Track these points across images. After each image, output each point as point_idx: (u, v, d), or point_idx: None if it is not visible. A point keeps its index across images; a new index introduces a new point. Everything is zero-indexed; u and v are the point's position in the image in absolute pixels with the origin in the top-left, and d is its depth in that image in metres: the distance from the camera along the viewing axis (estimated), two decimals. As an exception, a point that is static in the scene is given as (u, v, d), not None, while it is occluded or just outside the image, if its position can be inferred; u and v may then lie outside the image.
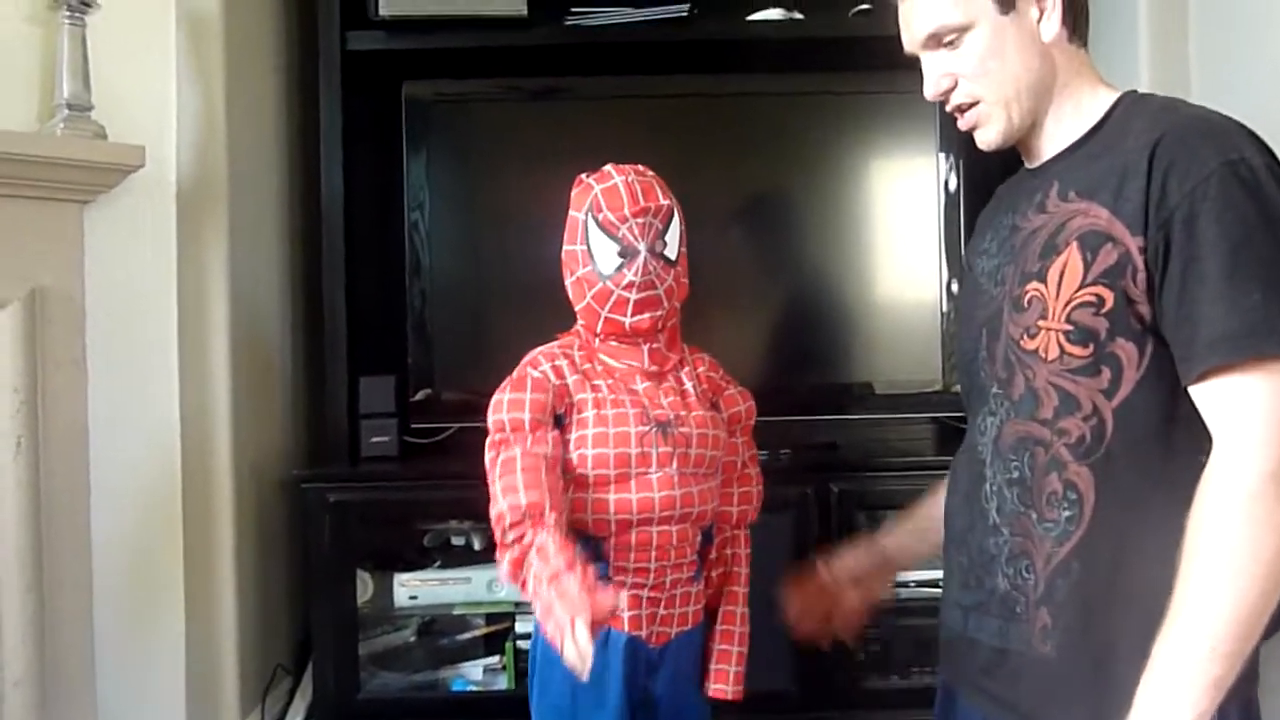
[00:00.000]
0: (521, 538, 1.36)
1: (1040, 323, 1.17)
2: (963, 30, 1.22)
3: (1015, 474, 1.20)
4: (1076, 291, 1.14)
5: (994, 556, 1.22)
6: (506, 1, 2.34)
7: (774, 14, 2.48)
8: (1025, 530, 1.19)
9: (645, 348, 1.51)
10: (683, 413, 1.49)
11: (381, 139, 2.48)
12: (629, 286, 1.45)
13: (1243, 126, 1.13)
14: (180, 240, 2.09)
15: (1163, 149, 1.11)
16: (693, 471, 1.48)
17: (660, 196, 1.48)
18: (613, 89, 2.49)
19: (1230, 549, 1.03)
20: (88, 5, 1.92)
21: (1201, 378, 1.07)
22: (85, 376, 1.96)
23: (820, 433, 2.53)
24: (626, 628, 1.47)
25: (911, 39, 1.28)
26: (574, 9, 2.44)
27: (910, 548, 1.56)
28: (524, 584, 1.34)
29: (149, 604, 2.09)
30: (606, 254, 1.46)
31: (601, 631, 1.42)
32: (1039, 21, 1.22)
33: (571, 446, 1.45)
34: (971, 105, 1.26)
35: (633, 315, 1.47)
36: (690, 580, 1.52)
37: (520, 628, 2.35)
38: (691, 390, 1.53)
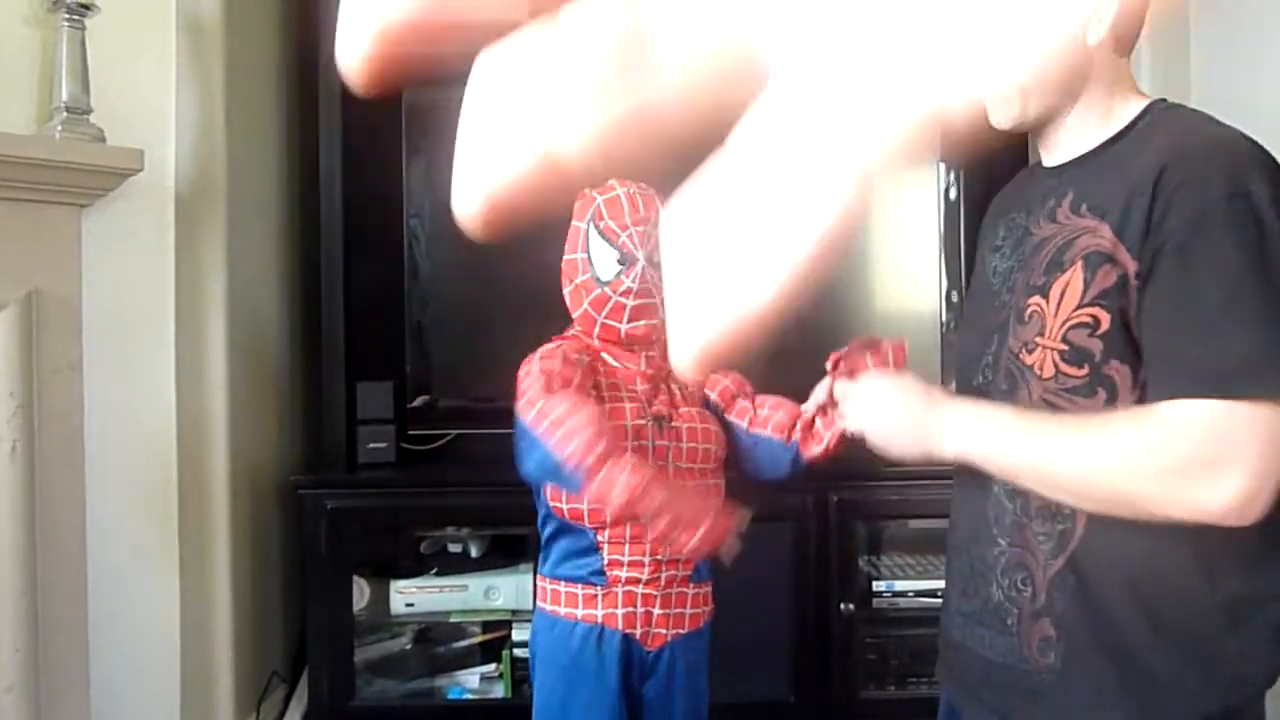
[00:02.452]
0: (606, 465, 1.28)
1: (1038, 339, 1.17)
2: None
3: (1016, 485, 1.20)
4: (1074, 311, 1.13)
5: (991, 566, 1.22)
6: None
7: (775, 22, 2.48)
8: (1024, 542, 1.19)
9: (643, 355, 1.53)
10: (674, 410, 1.53)
11: (381, 145, 2.48)
12: (626, 293, 1.48)
13: (1260, 153, 1.11)
14: (178, 244, 2.08)
15: (1170, 172, 1.09)
16: (688, 467, 1.51)
17: (659, 207, 1.49)
18: (613, 96, 2.49)
19: (1108, 446, 1.08)
20: (87, 8, 1.92)
21: (1178, 399, 1.06)
22: (81, 380, 1.96)
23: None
24: (621, 625, 1.47)
25: None
26: (575, 16, 2.43)
27: None
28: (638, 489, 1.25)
29: (144, 609, 2.08)
30: (606, 260, 1.49)
31: (595, 629, 1.47)
32: (1086, 20, 1.18)
33: None
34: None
35: (628, 321, 1.49)
36: (687, 580, 1.52)
37: (517, 635, 2.34)
38: (680, 395, 1.56)
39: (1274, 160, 1.10)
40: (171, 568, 2.10)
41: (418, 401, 2.44)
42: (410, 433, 2.43)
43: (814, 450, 1.51)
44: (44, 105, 1.95)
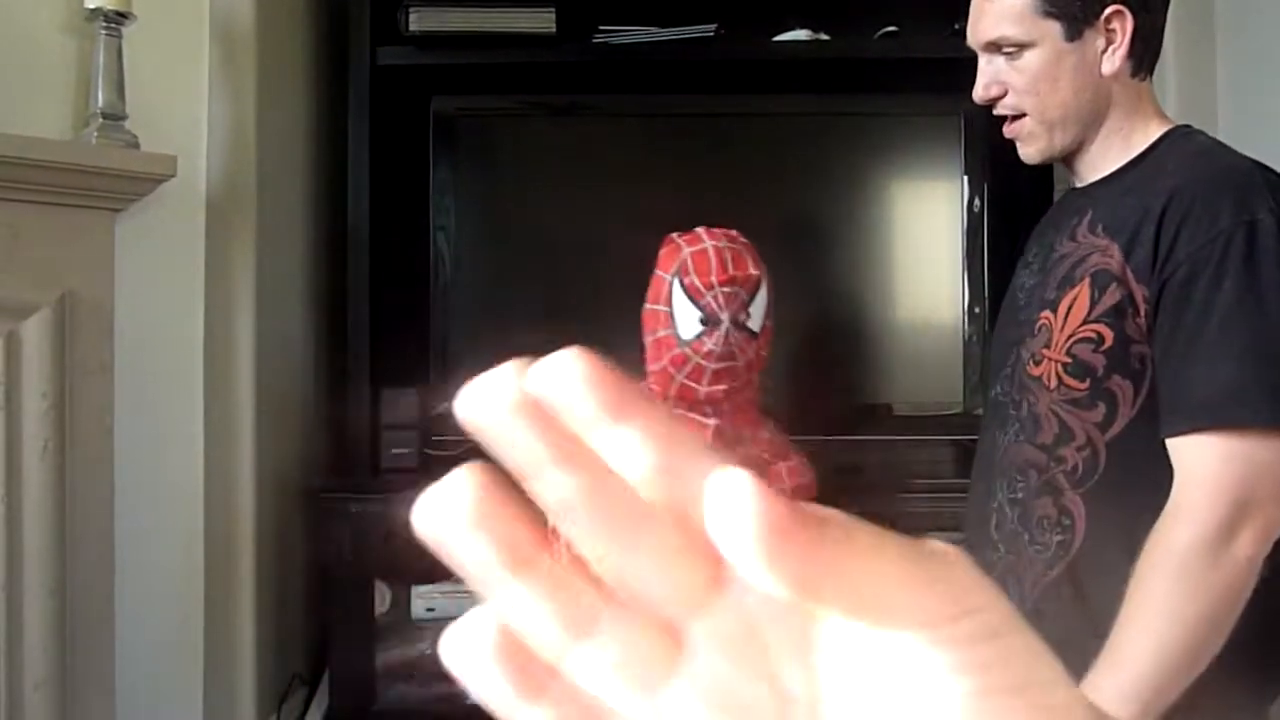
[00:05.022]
0: None
1: (1044, 351, 1.20)
2: (1023, 46, 1.21)
3: (1018, 494, 1.22)
4: (1080, 326, 1.17)
5: (987, 571, 1.23)
6: (535, 19, 2.36)
7: (800, 35, 2.48)
8: (1018, 550, 1.22)
9: (712, 424, 1.46)
10: None
11: (409, 153, 2.50)
12: (708, 355, 1.42)
13: (1270, 179, 1.13)
14: (208, 250, 2.11)
15: (1177, 201, 1.12)
16: None
17: (750, 266, 1.44)
18: (638, 107, 2.50)
19: (1156, 610, 1.05)
20: (124, 17, 1.95)
21: (1172, 437, 1.10)
22: (113, 383, 1.98)
23: (839, 453, 2.52)
24: None
25: (975, 37, 1.27)
26: (601, 27, 2.45)
27: None
28: None
29: (169, 609, 2.11)
30: (688, 319, 1.43)
31: None
32: (1102, 53, 1.21)
33: None
34: (1017, 117, 1.26)
35: (708, 385, 1.44)
36: None
37: (536, 642, 2.35)
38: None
39: None
40: (196, 569, 2.13)
41: (441, 408, 2.45)
42: (434, 439, 2.44)
43: None
44: (80, 111, 1.98)
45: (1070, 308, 1.17)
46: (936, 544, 0.26)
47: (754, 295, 1.44)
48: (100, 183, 1.90)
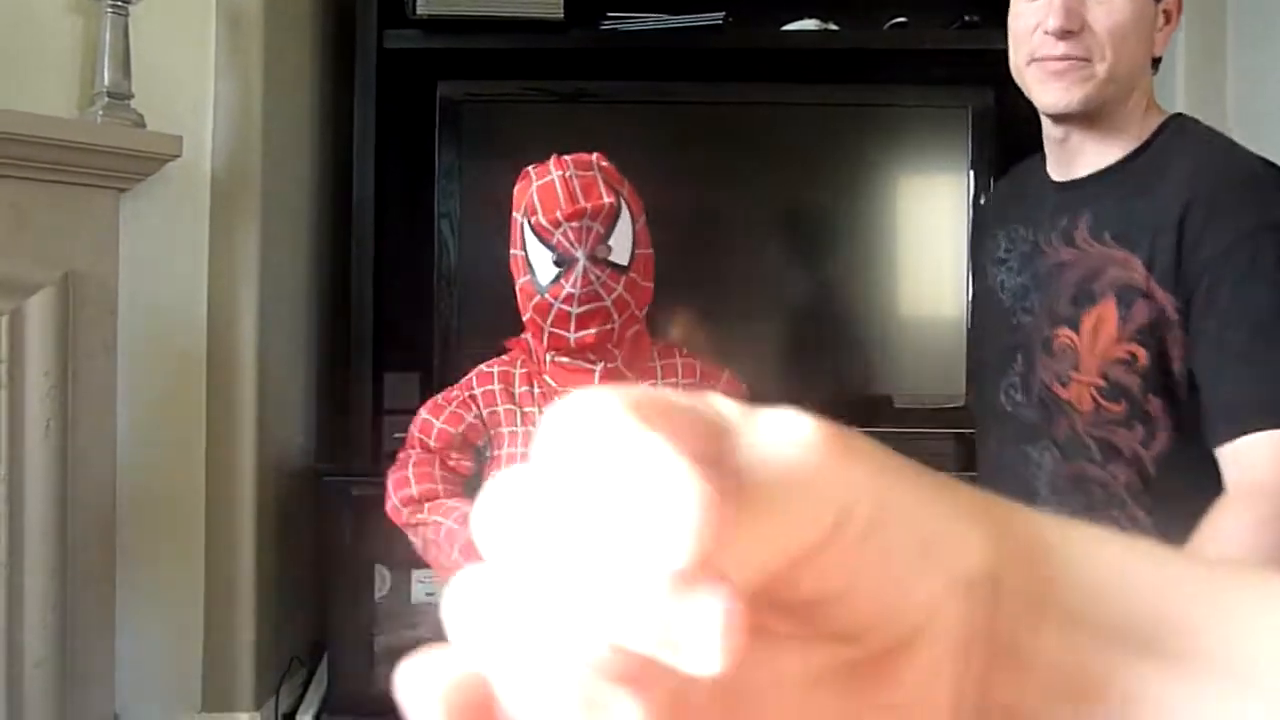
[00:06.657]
0: (421, 523, 1.36)
1: (1072, 373, 1.17)
2: None
3: (1072, 509, 1.19)
4: (1111, 346, 1.14)
5: None
6: (543, 4, 2.36)
7: (808, 24, 2.48)
8: None
9: (598, 368, 1.31)
10: None
11: (415, 137, 2.50)
12: (568, 299, 1.29)
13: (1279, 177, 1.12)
14: (213, 230, 2.11)
15: (1197, 205, 1.09)
16: None
17: (603, 194, 1.29)
18: (645, 94, 2.50)
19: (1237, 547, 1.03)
20: (131, -4, 1.95)
21: (1223, 442, 1.07)
22: (115, 362, 1.98)
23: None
24: None
25: None
26: (610, 14, 2.44)
27: None
28: (437, 559, 1.35)
29: (169, 590, 2.11)
30: (543, 262, 1.31)
31: None
32: (1158, 30, 1.20)
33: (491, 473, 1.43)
34: (1076, 60, 1.16)
35: (576, 331, 1.30)
36: None
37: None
38: None
39: None
40: (196, 551, 2.13)
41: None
42: (435, 424, 2.44)
43: None
44: (86, 90, 1.97)
45: (1097, 326, 1.15)
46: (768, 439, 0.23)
47: (612, 225, 1.29)
48: (105, 162, 1.90)
